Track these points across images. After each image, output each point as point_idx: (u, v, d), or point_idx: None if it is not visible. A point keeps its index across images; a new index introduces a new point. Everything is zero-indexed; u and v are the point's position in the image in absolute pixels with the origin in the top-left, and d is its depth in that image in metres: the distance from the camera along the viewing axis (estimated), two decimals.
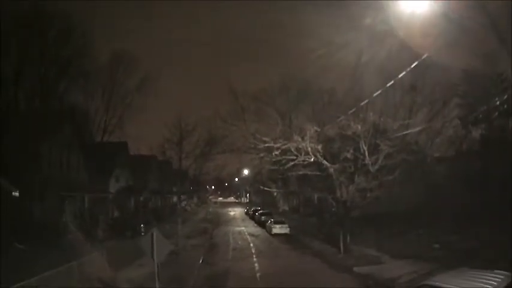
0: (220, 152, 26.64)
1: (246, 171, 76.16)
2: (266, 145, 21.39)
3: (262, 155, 22.14)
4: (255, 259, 23.88)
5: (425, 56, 14.96)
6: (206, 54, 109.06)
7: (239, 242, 31.83)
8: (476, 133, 32.12)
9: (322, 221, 39.16)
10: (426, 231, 24.39)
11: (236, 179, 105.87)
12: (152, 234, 12.22)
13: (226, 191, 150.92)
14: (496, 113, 27.74)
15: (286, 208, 65.51)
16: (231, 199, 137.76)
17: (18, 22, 26.23)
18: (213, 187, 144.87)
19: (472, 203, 24.64)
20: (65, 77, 32.19)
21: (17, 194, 24.49)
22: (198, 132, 27.34)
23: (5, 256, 17.34)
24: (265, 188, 53.02)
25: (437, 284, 9.12)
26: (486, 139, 30.22)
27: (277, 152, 21.44)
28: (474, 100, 31.62)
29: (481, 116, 30.98)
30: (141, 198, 46.44)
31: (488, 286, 7.96)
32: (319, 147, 20.68)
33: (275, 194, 73.22)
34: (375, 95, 18.02)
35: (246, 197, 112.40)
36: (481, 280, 8.37)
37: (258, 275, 19.60)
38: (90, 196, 32.44)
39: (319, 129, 20.22)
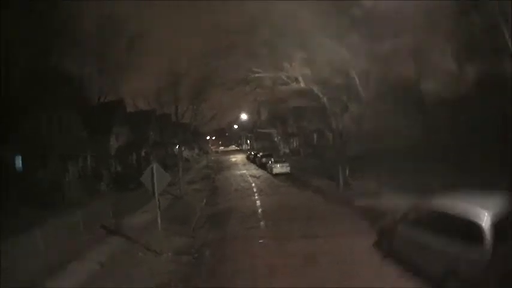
0: (214, 86, 26.70)
1: (244, 116, 76.21)
2: (257, 75, 21.31)
3: (255, 86, 22.02)
4: (256, 197, 24.64)
5: None
6: None
7: (241, 184, 32.58)
8: (471, 71, 31.89)
9: (322, 160, 39.91)
10: (426, 166, 24.59)
11: (235, 126, 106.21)
12: (152, 168, 12.96)
13: (227, 140, 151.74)
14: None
15: (287, 151, 66.27)
16: (233, 147, 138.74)
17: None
18: (213, 137, 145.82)
19: (472, 142, 24.68)
20: (56, 46, 31.89)
21: (19, 159, 25.10)
22: (191, 75, 27.34)
23: (13, 219, 17.95)
24: (265, 131, 53.34)
25: (430, 205, 9.48)
26: (482, 77, 30.03)
27: (268, 82, 21.40)
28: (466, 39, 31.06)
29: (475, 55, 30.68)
30: (143, 152, 47.09)
31: (483, 209, 7.93)
32: (308, 71, 20.54)
33: (275, 138, 73.98)
34: None
35: (247, 144, 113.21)
36: (476, 203, 8.41)
37: (259, 210, 20.31)
38: (92, 155, 32.99)
39: (305, 56, 19.99)
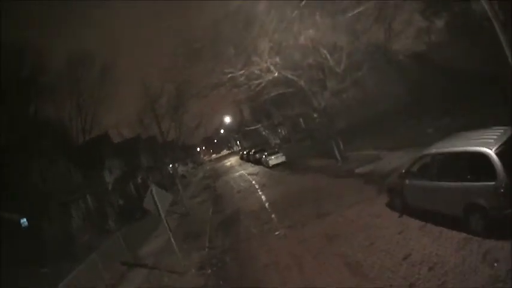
0: (190, 97, 27.01)
1: (228, 119, 76.31)
2: (229, 75, 21.32)
3: (229, 87, 21.97)
4: (260, 193, 24.72)
5: None
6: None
7: (241, 184, 32.64)
8: (440, 23, 32.17)
9: (314, 141, 40.18)
10: (416, 122, 24.80)
11: (222, 131, 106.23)
12: (151, 190, 12.97)
13: (217, 147, 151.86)
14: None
15: (278, 141, 66.44)
16: (224, 152, 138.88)
17: None
18: (203, 147, 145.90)
19: (453, 89, 24.90)
20: (30, 96, 31.86)
21: (25, 221, 24.87)
22: (166, 91, 27.66)
23: (32, 283, 17.86)
24: (251, 128, 53.45)
25: (433, 151, 9.70)
26: (452, 26, 30.34)
27: (242, 79, 21.38)
28: None
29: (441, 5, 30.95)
30: (139, 179, 46.95)
31: (488, 140, 8.16)
32: (277, 59, 20.65)
33: (263, 133, 74.06)
34: None
35: (237, 145, 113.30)
36: (479, 137, 8.64)
37: (266, 204, 20.41)
38: (90, 194, 32.80)
39: (272, 44, 20.05)
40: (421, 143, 15.97)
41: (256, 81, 21.55)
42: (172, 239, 13.35)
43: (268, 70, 20.94)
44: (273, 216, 17.38)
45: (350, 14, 18.13)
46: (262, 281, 10.40)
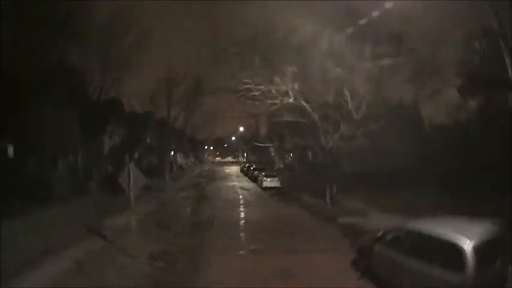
0: (206, 93, 27.28)
1: (242, 129, 76.45)
2: (247, 86, 21.20)
3: (241, 94, 21.79)
4: (242, 209, 24.48)
5: None
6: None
7: (230, 195, 32.43)
8: (473, 103, 32.09)
9: (316, 177, 39.81)
10: (417, 191, 24.51)
11: (233, 138, 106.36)
12: (129, 168, 12.86)
13: (224, 151, 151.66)
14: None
15: (282, 166, 66.18)
16: (229, 159, 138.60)
17: None
18: (211, 148, 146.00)
19: (466, 172, 24.64)
20: (61, 38, 32.14)
21: (11, 151, 24.99)
22: (187, 81, 27.94)
23: None
24: (260, 144, 53.31)
25: (411, 226, 9.37)
26: (483, 110, 30.25)
27: (256, 93, 21.21)
28: (473, 69, 31.25)
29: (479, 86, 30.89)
30: (136, 155, 46.93)
31: (468, 232, 7.86)
32: (295, 85, 20.51)
33: (272, 153, 73.88)
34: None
35: (244, 156, 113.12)
36: (460, 226, 8.35)
37: (241, 222, 20.16)
38: (83, 152, 32.80)
39: (296, 69, 19.92)
40: (410, 212, 15.75)
41: (271, 101, 21.43)
42: (133, 221, 13.24)
43: (286, 94, 20.84)
44: (242, 235, 17.12)
45: (385, 63, 18.02)
46: None
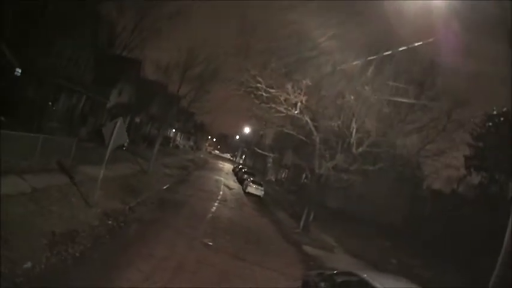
0: (218, 80, 27.32)
1: (247, 130, 76.09)
2: (257, 85, 20.81)
3: (249, 91, 21.34)
4: (215, 204, 24.11)
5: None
6: None
7: (211, 188, 32.04)
8: (476, 179, 31.96)
9: (300, 200, 39.49)
10: (393, 246, 24.29)
11: (237, 137, 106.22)
12: (116, 122, 12.83)
13: (225, 147, 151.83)
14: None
15: (273, 179, 65.87)
16: (227, 155, 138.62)
17: None
18: (214, 139, 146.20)
19: (452, 243, 24.51)
20: None
21: (19, 71, 24.82)
22: (204, 63, 27.97)
23: None
24: (261, 152, 52.95)
25: (364, 276, 8.80)
26: (484, 188, 30.13)
27: (264, 93, 20.85)
28: (485, 144, 31.07)
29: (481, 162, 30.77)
30: (138, 119, 46.81)
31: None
32: (304, 98, 20.18)
33: (268, 164, 73.50)
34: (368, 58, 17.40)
35: (241, 157, 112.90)
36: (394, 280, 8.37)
37: (209, 216, 19.80)
38: (87, 98, 32.64)
39: (310, 83, 19.58)
40: (377, 265, 15.46)
41: (278, 108, 21.07)
42: (101, 172, 13.03)
43: (294, 105, 20.53)
44: (203, 227, 16.77)
45: (402, 101, 17.79)
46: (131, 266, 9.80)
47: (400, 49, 16.55)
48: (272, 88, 20.51)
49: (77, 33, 28.00)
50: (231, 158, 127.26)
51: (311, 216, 22.89)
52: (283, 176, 65.19)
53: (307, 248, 18.98)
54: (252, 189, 35.79)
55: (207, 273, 10.89)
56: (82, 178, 16.20)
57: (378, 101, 18.13)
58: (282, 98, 20.41)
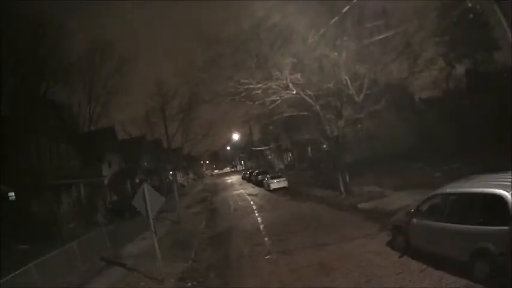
0: (203, 102, 26.69)
1: (236, 137, 75.63)
2: (246, 87, 20.57)
3: (241, 96, 20.99)
4: (256, 214, 23.88)
5: None
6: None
7: (239, 203, 31.80)
8: (461, 69, 31.93)
9: (319, 171, 39.44)
10: (425, 164, 24.19)
11: (228, 148, 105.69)
12: (143, 188, 12.01)
13: (221, 163, 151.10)
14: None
15: (282, 166, 65.72)
16: (227, 169, 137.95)
17: None
18: (207, 161, 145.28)
19: (465, 138, 24.46)
20: (44, 74, 31.59)
21: (12, 194, 24.33)
22: (179, 93, 27.43)
23: (7, 257, 17.05)
24: (258, 149, 52.76)
25: (447, 190, 9.14)
26: (472, 74, 30.12)
27: (258, 92, 20.63)
28: (452, 37, 31.17)
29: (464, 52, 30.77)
30: (137, 180, 46.26)
31: (505, 182, 7.54)
32: (299, 75, 19.98)
33: (269, 156, 73.37)
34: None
35: (241, 164, 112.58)
36: (495, 180, 8.06)
37: (261, 226, 19.54)
38: (85, 184, 32.14)
39: (295, 60, 19.40)
40: (427, 185, 15.42)
41: (273, 98, 20.85)
42: (156, 243, 12.43)
43: (287, 87, 20.30)
44: (266, 239, 16.45)
45: (376, 38, 17.68)
46: None
47: None
48: (260, 82, 20.26)
49: (44, 128, 27.45)
50: (232, 169, 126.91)
51: (347, 178, 22.82)
52: (288, 159, 65.11)
53: (364, 205, 19.02)
54: (275, 184, 35.68)
55: (314, 275, 10.61)
56: (133, 261, 15.76)
57: (358, 47, 18.09)
58: (274, 86, 20.18)
